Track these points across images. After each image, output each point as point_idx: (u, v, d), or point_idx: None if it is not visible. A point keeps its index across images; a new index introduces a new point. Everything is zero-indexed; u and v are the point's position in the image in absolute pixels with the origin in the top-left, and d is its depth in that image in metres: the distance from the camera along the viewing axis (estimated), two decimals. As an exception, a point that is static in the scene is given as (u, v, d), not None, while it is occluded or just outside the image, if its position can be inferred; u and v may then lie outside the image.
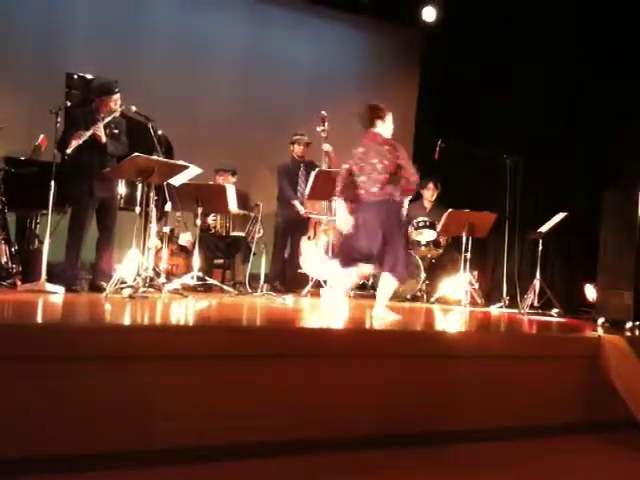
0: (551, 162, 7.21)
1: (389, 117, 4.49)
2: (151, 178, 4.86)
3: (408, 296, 6.57)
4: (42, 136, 5.76)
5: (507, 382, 3.57)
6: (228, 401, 2.89)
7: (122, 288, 4.68)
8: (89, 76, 5.88)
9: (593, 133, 6.64)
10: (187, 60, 7.68)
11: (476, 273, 6.93)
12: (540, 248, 6.29)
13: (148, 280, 4.87)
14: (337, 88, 8.20)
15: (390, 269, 4.28)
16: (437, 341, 3.61)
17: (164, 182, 5.21)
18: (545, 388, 3.68)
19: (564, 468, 3.13)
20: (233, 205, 5.82)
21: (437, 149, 6.47)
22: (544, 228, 6.32)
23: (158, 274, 5.44)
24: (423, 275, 6.60)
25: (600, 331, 4.36)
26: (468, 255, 6.34)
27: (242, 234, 6.32)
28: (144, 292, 4.69)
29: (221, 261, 6.52)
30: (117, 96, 5.14)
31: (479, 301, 6.55)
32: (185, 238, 6.69)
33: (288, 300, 5.39)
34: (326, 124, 6.62)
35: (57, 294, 4.61)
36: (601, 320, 5.13)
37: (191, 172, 5.20)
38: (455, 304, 6.30)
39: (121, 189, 5.38)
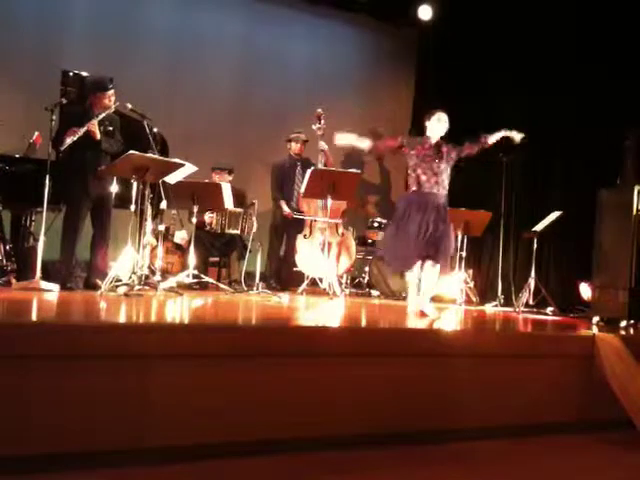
0: (546, 161, 7.21)
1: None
2: (146, 176, 4.85)
3: (403, 294, 6.57)
4: (36, 133, 5.74)
5: (502, 380, 3.58)
6: (225, 400, 2.89)
7: (117, 286, 4.68)
8: (85, 74, 5.84)
9: (590, 132, 6.63)
10: (184, 58, 7.66)
11: (471, 271, 6.93)
12: (535, 247, 6.29)
13: (143, 278, 4.87)
14: (333, 86, 8.18)
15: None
16: (431, 340, 3.61)
17: (159, 180, 5.21)
18: (539, 386, 3.69)
19: (558, 466, 3.14)
20: (229, 203, 5.81)
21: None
22: (539, 227, 6.33)
23: (153, 272, 5.44)
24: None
25: (595, 330, 4.37)
26: (463, 253, 6.36)
27: (238, 232, 6.31)
28: (139, 290, 4.68)
29: (217, 259, 6.52)
30: (111, 92, 5.13)
31: (474, 299, 6.57)
32: (180, 236, 6.68)
33: (284, 298, 5.38)
34: (322, 122, 6.60)
35: (52, 292, 4.60)
36: (596, 319, 5.15)
37: (186, 170, 5.21)
38: (450, 302, 6.31)
39: (115, 187, 5.36)
